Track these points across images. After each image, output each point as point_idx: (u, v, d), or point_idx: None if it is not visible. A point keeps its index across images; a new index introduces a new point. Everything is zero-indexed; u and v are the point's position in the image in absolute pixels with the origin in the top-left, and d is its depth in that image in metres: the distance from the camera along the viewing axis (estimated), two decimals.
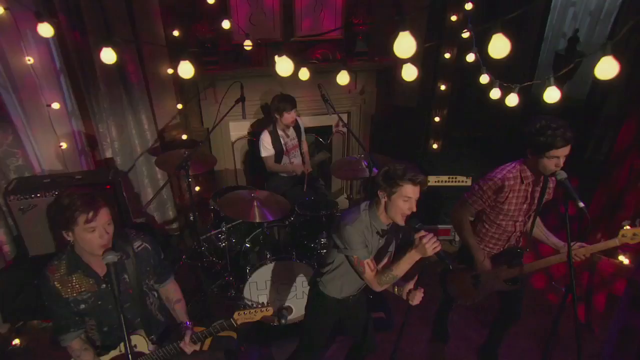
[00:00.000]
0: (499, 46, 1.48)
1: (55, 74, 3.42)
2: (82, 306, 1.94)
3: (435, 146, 4.82)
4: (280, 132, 3.97)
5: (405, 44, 1.66)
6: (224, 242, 3.48)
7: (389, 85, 4.71)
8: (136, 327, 2.07)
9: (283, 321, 3.33)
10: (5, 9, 2.95)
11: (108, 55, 2.26)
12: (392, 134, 4.92)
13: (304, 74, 2.62)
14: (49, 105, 3.34)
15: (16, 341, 3.32)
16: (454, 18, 4.08)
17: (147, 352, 2.08)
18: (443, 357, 3.28)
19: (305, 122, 4.50)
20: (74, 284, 1.90)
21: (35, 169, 3.47)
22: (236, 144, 4.75)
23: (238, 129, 4.67)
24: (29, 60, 3.16)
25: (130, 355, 1.68)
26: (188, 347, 2.09)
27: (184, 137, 4.39)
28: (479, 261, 2.61)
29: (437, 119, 4.66)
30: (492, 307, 3.11)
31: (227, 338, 3.34)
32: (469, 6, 3.00)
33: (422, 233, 1.92)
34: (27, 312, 3.36)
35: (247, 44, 2.96)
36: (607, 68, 1.02)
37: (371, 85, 4.66)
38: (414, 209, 2.02)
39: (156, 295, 2.25)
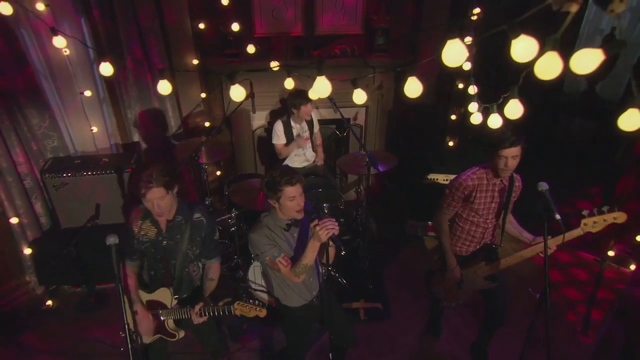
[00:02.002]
0: (522, 48, 1.32)
1: (89, 64, 3.72)
2: (143, 246, 2.42)
3: (450, 144, 4.83)
4: (293, 124, 4.13)
5: (455, 52, 1.44)
6: (234, 227, 3.71)
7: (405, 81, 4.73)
8: (172, 281, 2.46)
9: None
10: (46, 5, 3.27)
11: (106, 69, 2.57)
12: (409, 130, 4.96)
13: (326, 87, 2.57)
14: (82, 93, 3.66)
15: (49, 302, 3.74)
16: (475, 13, 4.03)
17: (169, 306, 2.45)
18: (433, 352, 3.39)
19: (324, 114, 4.63)
20: (142, 227, 2.40)
21: (69, 150, 3.83)
22: (257, 132, 4.96)
23: (259, 119, 4.87)
24: (66, 51, 3.46)
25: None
26: (195, 317, 2.37)
27: (207, 124, 4.64)
28: (451, 267, 2.80)
29: (453, 117, 4.67)
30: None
31: (230, 316, 3.63)
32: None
33: (315, 222, 2.09)
34: (60, 277, 3.75)
35: (274, 64, 3.14)
36: (549, 65, 1.06)
37: (389, 81, 4.71)
38: (302, 205, 2.23)
39: (200, 266, 2.59)
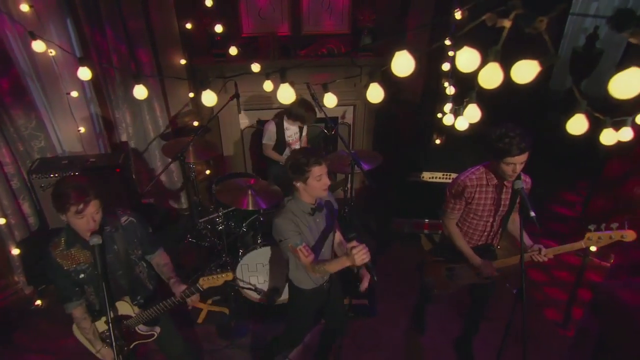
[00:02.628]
0: (465, 59, 1.39)
1: (75, 65, 3.72)
2: (82, 275, 2.20)
3: (438, 141, 4.88)
4: (286, 126, 4.17)
5: (402, 63, 1.52)
6: (221, 226, 3.75)
7: (393, 80, 4.78)
8: (124, 292, 2.35)
9: (271, 301, 3.61)
10: (30, 6, 3.27)
11: (84, 74, 2.54)
12: (396, 128, 5.01)
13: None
14: (69, 94, 3.67)
15: (38, 302, 3.76)
16: (458, 16, 4.09)
17: (132, 314, 2.37)
18: (418, 347, 3.45)
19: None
20: (73, 256, 2.16)
21: (57, 151, 3.84)
22: (245, 132, 5.00)
23: (248, 118, 4.90)
24: (51, 52, 3.47)
25: (111, 320, 2.01)
26: (189, 302, 2.34)
27: (196, 123, 4.67)
28: (477, 266, 2.70)
29: (439, 115, 4.71)
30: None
31: (219, 314, 3.69)
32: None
33: (354, 244, 2.04)
34: (48, 277, 3.76)
35: (255, 68, 3.17)
36: (491, 75, 1.11)
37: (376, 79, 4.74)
38: (329, 182, 2.27)
39: (145, 265, 2.51)
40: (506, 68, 1.11)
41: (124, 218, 2.30)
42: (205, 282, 2.29)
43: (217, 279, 2.30)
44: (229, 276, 2.31)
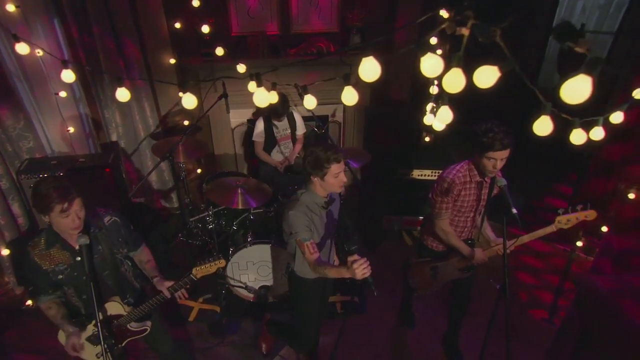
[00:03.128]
0: (429, 65, 1.42)
1: (56, 57, 3.72)
2: (60, 277, 2.18)
3: (427, 139, 4.92)
4: (274, 122, 4.20)
5: (369, 68, 1.54)
6: (212, 224, 3.77)
7: (383, 78, 4.82)
8: (112, 292, 2.35)
9: (262, 299, 3.64)
10: (16, 6, 3.26)
11: (68, 76, 2.55)
12: (386, 126, 5.05)
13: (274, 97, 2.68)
14: (57, 94, 3.66)
15: (29, 302, 3.76)
16: (445, 15, 4.13)
17: (124, 313, 2.37)
18: (408, 342, 3.50)
19: (302, 111, 4.70)
20: (52, 257, 2.14)
21: (46, 151, 3.84)
22: (236, 130, 5.02)
23: (239, 116, 4.92)
24: (39, 52, 3.46)
25: (99, 323, 2.04)
26: (178, 296, 2.37)
27: (186, 122, 4.68)
28: (472, 257, 2.75)
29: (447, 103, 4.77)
30: None
31: (210, 312, 3.72)
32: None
33: (355, 257, 2.00)
34: (24, 276, 3.76)
35: (241, 69, 3.19)
36: (454, 80, 1.15)
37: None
38: (345, 180, 2.31)
39: (130, 263, 2.51)
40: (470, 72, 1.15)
41: (107, 218, 2.30)
42: (198, 272, 2.33)
43: (211, 267, 2.34)
44: (221, 263, 2.35)
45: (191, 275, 2.32)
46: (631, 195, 3.67)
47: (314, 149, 2.26)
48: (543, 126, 1.27)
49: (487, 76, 1.06)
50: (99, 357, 2.43)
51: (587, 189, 3.92)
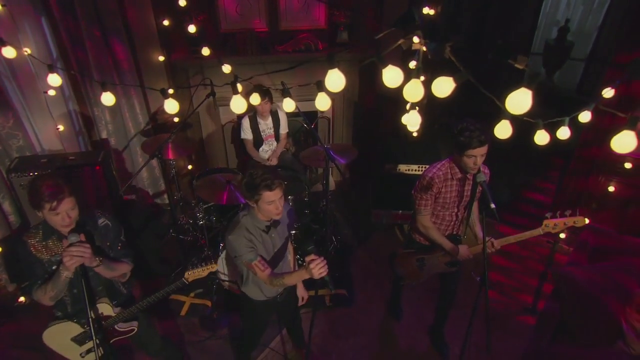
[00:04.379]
0: (389, 76, 1.53)
1: (50, 62, 3.74)
2: (54, 267, 2.19)
3: (415, 134, 4.99)
4: (259, 119, 4.25)
5: (334, 80, 1.64)
6: (203, 220, 3.82)
7: (371, 74, 4.88)
8: (100, 295, 2.40)
9: None
10: (3, 5, 3.27)
11: (54, 80, 2.62)
12: (375, 121, 5.11)
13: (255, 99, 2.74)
14: (46, 92, 3.68)
15: (21, 299, 3.80)
16: (431, 12, 4.19)
17: (112, 314, 2.42)
18: (395, 333, 3.59)
19: (286, 105, 4.75)
20: (48, 247, 2.19)
21: (36, 149, 3.86)
22: (226, 127, 5.05)
23: (228, 113, 4.95)
24: (27, 51, 3.47)
25: (91, 318, 2.09)
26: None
27: (176, 119, 4.70)
28: (457, 254, 2.80)
29: (417, 107, 4.83)
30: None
31: (202, 306, 3.78)
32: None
33: (312, 257, 2.03)
34: (19, 265, 3.78)
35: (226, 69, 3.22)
36: (414, 90, 1.23)
37: (353, 74, 4.84)
38: (280, 209, 2.24)
39: None
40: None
41: (100, 220, 2.34)
42: (190, 275, 2.40)
43: (202, 271, 2.40)
44: (213, 267, 2.41)
45: (183, 279, 2.39)
46: (611, 188, 3.78)
47: (251, 173, 2.17)
48: (503, 130, 1.35)
49: (444, 86, 1.13)
50: (82, 357, 2.49)
51: (569, 184, 4.01)
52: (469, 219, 2.89)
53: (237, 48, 4.50)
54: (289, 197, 3.83)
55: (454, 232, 2.95)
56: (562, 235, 3.90)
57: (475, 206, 2.86)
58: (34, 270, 2.22)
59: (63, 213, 2.07)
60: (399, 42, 1.16)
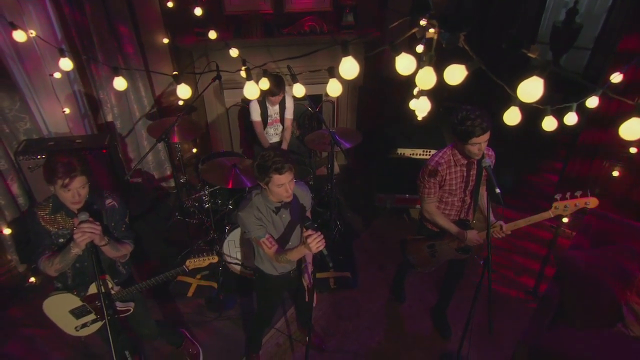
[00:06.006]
0: (402, 64, 1.55)
1: (57, 45, 3.73)
2: (61, 240, 2.30)
3: (419, 118, 4.98)
4: (267, 105, 4.25)
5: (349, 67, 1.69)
6: (208, 203, 3.86)
7: (377, 57, 4.85)
8: (102, 271, 2.45)
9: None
10: None
11: (66, 64, 2.64)
12: (379, 105, 5.10)
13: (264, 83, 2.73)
14: (52, 75, 3.68)
15: (32, 279, 3.88)
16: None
17: (113, 292, 2.49)
18: (398, 315, 3.65)
19: (297, 91, 4.73)
20: (57, 221, 2.28)
21: (43, 132, 3.88)
22: (230, 110, 5.05)
23: (233, 96, 4.94)
24: (32, 33, 3.47)
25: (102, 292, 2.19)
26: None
27: (180, 102, 4.70)
28: (465, 239, 2.78)
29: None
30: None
31: (208, 287, 3.85)
32: None
33: (309, 232, 2.09)
34: (28, 233, 3.85)
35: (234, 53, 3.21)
36: (426, 77, 1.23)
37: (359, 57, 4.77)
38: (290, 192, 2.27)
39: None
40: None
41: (108, 200, 2.41)
42: (191, 264, 2.48)
43: (203, 261, 2.48)
44: (214, 259, 2.49)
45: (184, 266, 2.47)
46: (615, 173, 3.78)
47: (263, 154, 2.20)
48: (512, 116, 1.36)
49: (456, 73, 1.14)
50: (77, 330, 2.58)
51: (573, 168, 4.01)
52: (477, 203, 2.89)
53: (241, 31, 4.47)
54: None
55: (463, 217, 2.95)
56: (565, 220, 3.94)
57: (482, 190, 2.85)
58: (42, 240, 2.29)
59: (74, 190, 2.15)
60: (413, 31, 1.17)
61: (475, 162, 2.67)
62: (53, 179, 2.10)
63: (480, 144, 2.45)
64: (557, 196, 2.50)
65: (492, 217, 2.74)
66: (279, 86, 4.00)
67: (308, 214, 2.65)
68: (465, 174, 2.72)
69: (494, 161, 2.69)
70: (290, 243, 2.56)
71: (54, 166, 2.11)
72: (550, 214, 2.52)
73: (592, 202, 2.45)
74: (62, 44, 3.78)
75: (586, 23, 5.39)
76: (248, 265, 3.70)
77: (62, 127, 4.03)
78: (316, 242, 2.07)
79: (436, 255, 3.03)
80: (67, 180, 2.10)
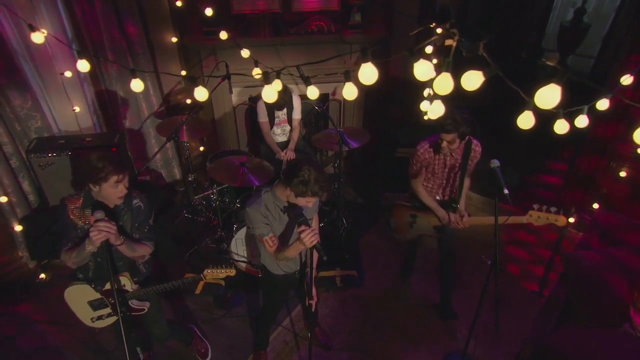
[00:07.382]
0: (421, 70, 1.58)
1: (68, 44, 3.77)
2: (82, 235, 2.33)
3: (426, 117, 4.99)
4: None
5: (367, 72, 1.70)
6: (216, 202, 3.89)
7: (382, 58, 4.85)
8: (121, 269, 2.51)
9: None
10: None
11: (83, 66, 2.69)
12: (386, 105, 5.11)
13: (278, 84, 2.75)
14: (62, 74, 3.72)
15: (42, 275, 3.93)
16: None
17: (130, 290, 2.53)
18: (405, 314, 3.66)
19: (303, 90, 4.75)
20: (85, 215, 2.34)
21: (53, 130, 3.92)
22: (237, 109, 5.08)
23: (240, 95, 4.97)
24: (43, 32, 3.50)
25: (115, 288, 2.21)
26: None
27: (188, 101, 4.74)
28: (445, 218, 3.12)
29: (429, 92, 4.81)
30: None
31: (216, 285, 3.88)
32: None
33: (302, 228, 2.18)
34: (50, 252, 3.92)
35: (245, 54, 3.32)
36: (444, 83, 1.25)
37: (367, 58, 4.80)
38: (311, 204, 2.33)
39: None
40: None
41: (135, 200, 2.46)
42: (208, 274, 2.53)
43: (220, 273, 2.53)
44: (231, 272, 2.53)
45: (201, 275, 2.53)
46: (622, 174, 3.78)
47: (317, 176, 2.16)
48: (526, 120, 1.38)
49: (473, 79, 1.16)
50: (93, 321, 2.63)
51: (580, 167, 4.01)
52: (461, 188, 3.13)
53: (249, 30, 4.49)
54: None
55: (446, 198, 3.25)
56: (571, 220, 3.95)
57: (467, 182, 3.15)
58: (68, 231, 2.35)
59: (122, 185, 2.25)
60: (433, 38, 1.19)
61: (463, 148, 2.98)
62: (105, 177, 2.17)
63: (444, 141, 2.84)
64: (535, 206, 2.71)
65: (462, 205, 3.15)
66: (284, 97, 4.10)
67: (315, 215, 2.71)
68: (447, 160, 3.06)
69: (479, 152, 3.05)
70: (291, 242, 2.60)
71: (102, 165, 2.17)
72: (524, 219, 2.75)
73: (561, 221, 2.68)
74: (73, 43, 3.82)
75: (594, 22, 5.36)
76: (255, 263, 3.73)
77: (72, 125, 4.07)
78: (309, 237, 2.16)
79: (414, 226, 3.31)
80: (121, 176, 2.21)
